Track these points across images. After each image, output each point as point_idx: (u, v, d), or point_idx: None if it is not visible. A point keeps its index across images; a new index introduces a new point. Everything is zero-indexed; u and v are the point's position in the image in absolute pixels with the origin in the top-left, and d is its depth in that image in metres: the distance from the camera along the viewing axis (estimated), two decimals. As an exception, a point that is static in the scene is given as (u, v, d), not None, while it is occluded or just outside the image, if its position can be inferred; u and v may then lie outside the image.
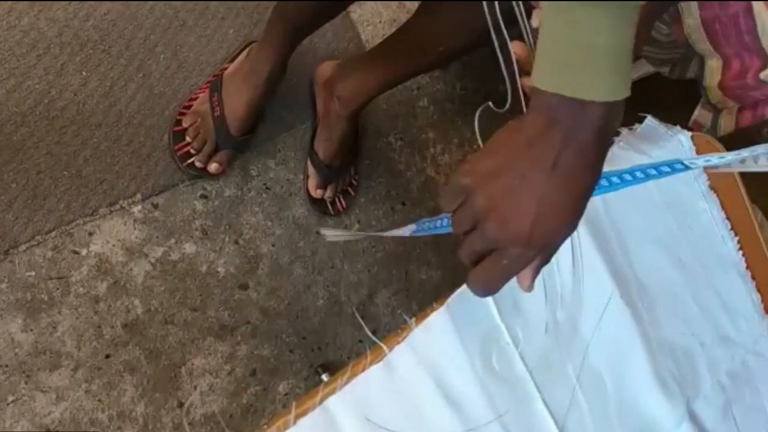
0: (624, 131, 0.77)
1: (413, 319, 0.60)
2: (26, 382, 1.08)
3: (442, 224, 0.64)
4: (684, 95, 1.34)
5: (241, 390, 1.23)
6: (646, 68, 1.33)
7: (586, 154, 0.47)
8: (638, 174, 0.58)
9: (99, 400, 1.12)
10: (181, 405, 1.18)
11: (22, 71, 1.14)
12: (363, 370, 0.57)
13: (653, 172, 0.58)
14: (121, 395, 1.13)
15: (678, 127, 0.79)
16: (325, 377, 1.26)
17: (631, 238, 0.73)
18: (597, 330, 0.67)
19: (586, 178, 0.48)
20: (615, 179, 0.57)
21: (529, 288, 0.55)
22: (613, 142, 0.50)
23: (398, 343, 0.58)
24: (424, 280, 1.42)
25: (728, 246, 0.80)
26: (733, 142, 1.28)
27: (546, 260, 0.54)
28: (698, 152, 0.81)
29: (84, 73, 1.18)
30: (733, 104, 1.31)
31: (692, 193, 0.78)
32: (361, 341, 1.35)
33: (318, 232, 1.25)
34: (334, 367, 1.29)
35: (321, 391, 0.54)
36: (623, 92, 0.46)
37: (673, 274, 0.75)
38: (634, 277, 0.72)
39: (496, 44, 0.62)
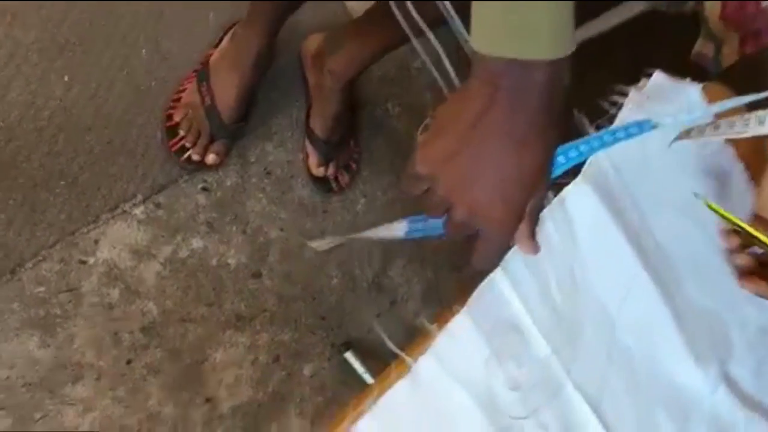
0: (631, 91, 0.74)
1: (435, 324, 0.58)
2: (51, 398, 1.07)
3: (436, 225, 0.61)
4: (682, 31, 1.30)
5: (267, 378, 1.23)
6: (641, 5, 1.28)
7: (537, 118, 0.45)
8: (606, 138, 0.56)
9: (126, 406, 1.12)
10: (208, 400, 1.18)
11: (2, 84, 1.11)
12: (390, 386, 0.55)
13: (621, 134, 0.56)
14: (148, 398, 1.13)
15: (688, 80, 0.76)
16: (348, 355, 1.26)
17: (649, 204, 0.70)
18: (623, 305, 0.66)
19: (542, 141, 0.46)
20: (583, 147, 0.54)
21: (535, 250, 0.54)
22: (571, 111, 0.48)
23: (422, 353, 0.57)
24: (436, 246, 1.40)
25: (749, 202, 0.77)
26: (737, 75, 1.24)
27: (535, 222, 0.52)
28: (710, 103, 0.78)
29: (67, 78, 1.15)
30: (735, 34, 1.27)
31: (709, 152, 0.75)
32: (379, 315, 1.34)
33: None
34: (357, 344, 1.29)
35: (350, 415, 0.53)
36: (567, 48, 0.44)
37: (695, 237, 0.72)
38: (656, 246, 0.69)
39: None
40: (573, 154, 0.54)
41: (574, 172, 0.69)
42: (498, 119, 0.45)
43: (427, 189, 0.50)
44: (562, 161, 0.52)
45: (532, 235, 0.54)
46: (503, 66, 0.43)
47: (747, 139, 0.53)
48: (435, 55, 0.61)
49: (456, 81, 0.55)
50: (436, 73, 0.60)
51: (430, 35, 0.60)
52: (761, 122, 0.53)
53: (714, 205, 0.59)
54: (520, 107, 0.44)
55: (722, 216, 0.59)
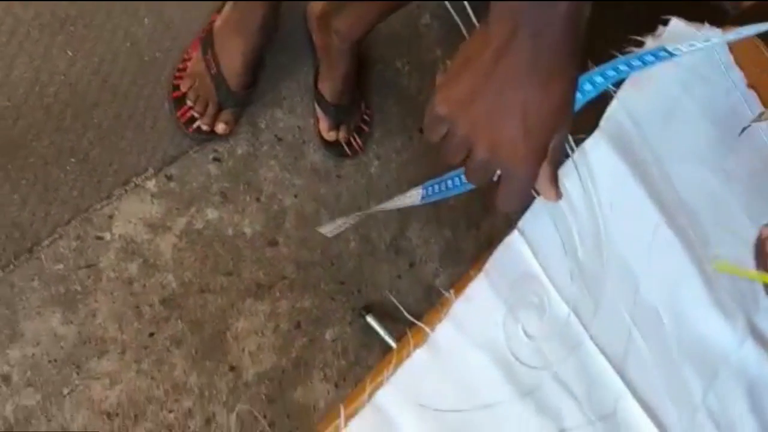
0: (648, 39, 0.71)
1: (452, 291, 0.57)
2: (78, 373, 1.09)
3: (454, 184, 0.59)
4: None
5: (289, 344, 1.23)
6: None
7: (559, 52, 0.45)
8: (622, 67, 0.56)
9: (152, 378, 1.13)
10: (232, 368, 1.19)
11: (6, 62, 1.09)
12: (408, 355, 0.54)
13: (637, 63, 0.56)
14: (173, 369, 1.14)
15: (706, 25, 0.72)
16: (369, 318, 1.26)
17: (669, 156, 0.68)
18: (647, 264, 0.64)
19: (566, 75, 0.46)
20: (599, 79, 0.54)
21: (558, 196, 0.54)
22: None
23: (440, 321, 0.56)
24: (452, 205, 1.38)
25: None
26: (757, 16, 1.20)
27: (558, 163, 0.52)
28: (730, 48, 0.75)
29: (70, 53, 1.13)
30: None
31: (732, 99, 0.73)
32: (399, 277, 1.34)
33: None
34: (377, 307, 1.29)
35: (368, 386, 0.52)
36: None
37: (716, 187, 0.70)
38: (677, 199, 0.67)
39: None
40: (587, 87, 0.54)
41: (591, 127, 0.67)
42: (521, 55, 0.44)
43: (445, 135, 0.49)
44: (578, 97, 0.51)
45: (555, 179, 0.54)
46: (523, 4, 0.43)
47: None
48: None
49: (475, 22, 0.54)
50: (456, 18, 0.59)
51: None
52: None
53: (734, 268, 0.57)
54: (542, 42, 0.44)
55: (744, 275, 0.57)
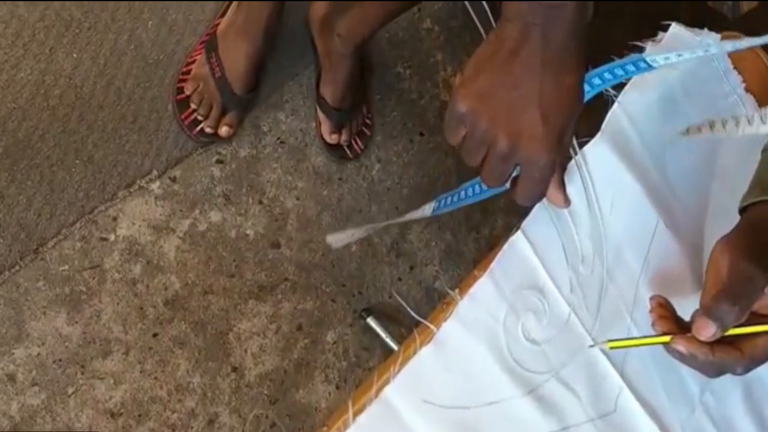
0: (648, 45, 0.72)
1: (457, 290, 0.59)
2: (82, 373, 1.10)
3: (467, 194, 0.61)
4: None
5: (291, 346, 1.24)
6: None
7: (568, 46, 0.49)
8: (606, 75, 0.60)
9: (155, 378, 1.14)
10: (235, 369, 1.20)
11: (12, 64, 1.10)
12: (414, 353, 0.56)
13: (620, 72, 0.60)
14: (176, 370, 1.15)
15: (705, 30, 0.74)
16: (370, 320, 1.27)
17: (667, 159, 0.69)
18: (646, 264, 0.65)
19: (576, 67, 0.51)
20: (586, 87, 0.58)
21: (567, 202, 0.60)
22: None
23: (445, 319, 0.57)
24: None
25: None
26: (756, 21, 1.21)
27: (564, 167, 0.57)
28: (730, 54, 0.76)
29: (75, 55, 1.14)
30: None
31: (731, 103, 0.74)
32: (400, 279, 1.35)
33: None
34: (378, 309, 1.30)
35: (375, 383, 0.53)
36: None
37: (714, 187, 0.72)
38: (676, 201, 0.69)
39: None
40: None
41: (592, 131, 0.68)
42: (534, 50, 0.48)
43: (465, 135, 0.53)
44: None
45: (562, 185, 0.58)
46: (533, 6, 0.47)
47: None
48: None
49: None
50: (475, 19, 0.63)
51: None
52: (750, 122, 0.57)
53: (627, 342, 0.60)
54: (552, 38, 0.48)
55: (638, 344, 0.59)
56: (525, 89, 0.49)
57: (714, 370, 0.54)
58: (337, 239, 0.83)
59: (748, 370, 0.53)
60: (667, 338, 0.54)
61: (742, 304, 0.51)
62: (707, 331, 0.51)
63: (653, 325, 0.56)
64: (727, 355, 0.52)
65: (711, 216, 0.71)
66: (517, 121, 0.50)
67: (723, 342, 0.52)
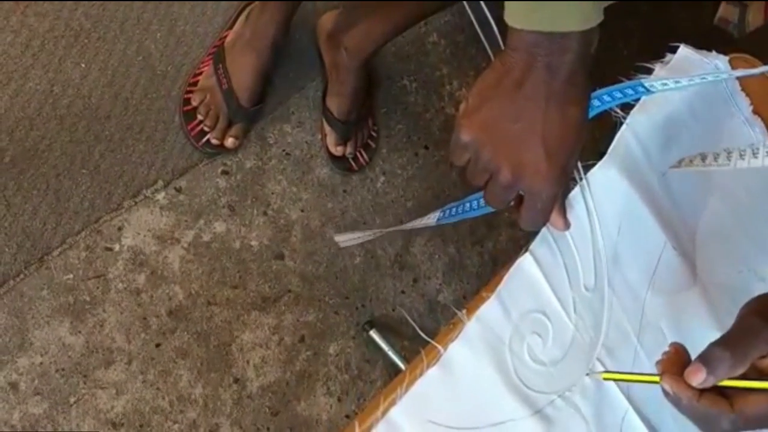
0: (657, 67, 0.72)
1: (464, 311, 0.59)
2: (84, 382, 1.10)
3: (471, 207, 0.61)
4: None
5: (293, 357, 1.24)
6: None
7: (573, 79, 0.49)
8: (605, 98, 0.60)
9: (157, 388, 1.14)
10: (236, 381, 1.20)
11: (21, 73, 1.11)
12: (421, 374, 0.56)
13: (618, 95, 0.61)
14: (178, 380, 1.15)
15: (714, 53, 0.74)
16: (372, 333, 1.27)
17: (674, 180, 0.70)
18: (651, 285, 0.65)
19: (580, 99, 0.50)
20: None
21: (566, 225, 0.60)
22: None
23: (452, 340, 0.57)
24: (457, 222, 1.40)
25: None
26: (762, 40, 1.22)
27: (566, 192, 0.57)
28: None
29: (83, 65, 1.15)
30: (761, -1, 1.24)
31: (737, 124, 0.74)
32: (403, 292, 1.35)
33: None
34: (380, 322, 1.30)
35: (382, 404, 0.53)
36: (597, 17, 0.47)
37: (720, 210, 0.72)
38: (683, 223, 0.69)
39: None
40: None
41: (600, 152, 0.68)
42: (538, 83, 0.48)
43: (469, 160, 0.53)
44: None
45: (563, 210, 0.58)
46: (539, 38, 0.47)
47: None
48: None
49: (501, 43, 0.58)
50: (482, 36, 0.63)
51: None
52: (742, 156, 0.58)
53: (619, 375, 0.59)
54: (557, 71, 0.48)
55: (629, 379, 0.58)
56: (529, 121, 0.49)
57: (699, 419, 0.49)
58: (344, 239, 0.84)
59: (736, 427, 0.48)
60: (657, 378, 0.51)
61: (738, 353, 0.47)
62: (696, 376, 0.47)
63: (656, 363, 0.53)
64: (713, 405, 0.47)
65: (720, 243, 0.71)
66: (520, 153, 0.50)
67: (713, 391, 0.48)
